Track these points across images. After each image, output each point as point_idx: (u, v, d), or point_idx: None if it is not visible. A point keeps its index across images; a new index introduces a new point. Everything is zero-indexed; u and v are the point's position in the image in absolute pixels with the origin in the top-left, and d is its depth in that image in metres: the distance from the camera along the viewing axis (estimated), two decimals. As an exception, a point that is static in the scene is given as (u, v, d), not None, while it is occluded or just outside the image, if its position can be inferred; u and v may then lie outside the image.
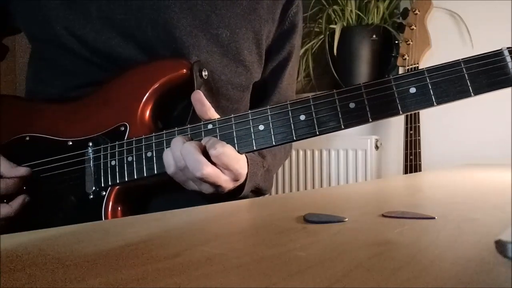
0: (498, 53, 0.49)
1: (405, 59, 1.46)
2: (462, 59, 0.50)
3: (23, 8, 0.71)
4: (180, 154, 0.54)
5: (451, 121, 1.54)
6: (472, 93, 0.50)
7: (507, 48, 0.49)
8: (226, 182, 0.57)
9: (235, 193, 0.62)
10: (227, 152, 0.54)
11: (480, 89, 0.49)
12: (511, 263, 0.21)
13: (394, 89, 0.52)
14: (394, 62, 1.60)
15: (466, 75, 0.50)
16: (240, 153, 0.57)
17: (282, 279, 0.20)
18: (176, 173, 0.57)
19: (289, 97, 0.82)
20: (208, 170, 0.53)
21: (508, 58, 0.49)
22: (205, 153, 0.54)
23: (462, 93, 0.50)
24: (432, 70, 0.51)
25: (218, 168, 0.55)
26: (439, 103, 0.51)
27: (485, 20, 1.46)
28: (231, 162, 0.55)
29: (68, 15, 0.67)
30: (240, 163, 0.57)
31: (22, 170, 0.65)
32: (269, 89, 0.80)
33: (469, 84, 0.50)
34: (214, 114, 0.59)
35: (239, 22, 0.72)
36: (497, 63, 0.49)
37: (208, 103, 0.60)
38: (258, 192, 0.73)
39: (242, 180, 0.60)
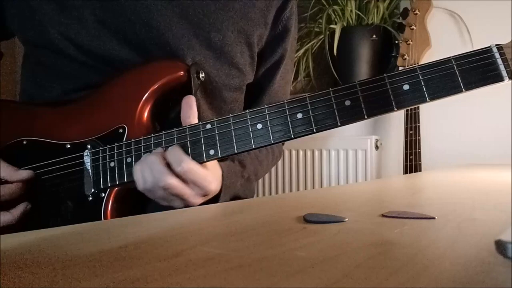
0: (487, 50, 0.51)
1: (405, 59, 1.46)
2: (452, 56, 0.52)
3: (17, 13, 0.70)
4: (146, 166, 0.56)
5: (451, 121, 1.54)
6: (463, 89, 0.51)
7: (496, 45, 0.51)
8: (193, 197, 0.58)
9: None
10: (192, 169, 0.56)
11: (470, 85, 0.51)
12: (511, 263, 0.21)
13: (388, 86, 0.53)
14: (394, 62, 1.60)
15: (457, 71, 0.51)
16: (239, 152, 0.57)
17: (282, 279, 0.20)
18: (146, 189, 0.58)
19: (279, 98, 0.82)
20: (171, 180, 0.55)
21: (496, 55, 0.50)
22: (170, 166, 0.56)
23: (454, 89, 0.51)
24: (424, 67, 0.52)
25: (184, 183, 0.56)
26: (431, 99, 0.52)
27: (485, 20, 1.46)
28: (198, 179, 0.56)
29: (62, 20, 0.67)
30: (208, 179, 0.58)
31: (24, 173, 0.64)
32: (260, 91, 0.80)
33: (460, 80, 0.51)
34: (194, 121, 0.60)
35: (231, 26, 0.72)
36: (487, 60, 0.50)
37: (196, 110, 0.60)
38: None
39: (212, 195, 0.61)
